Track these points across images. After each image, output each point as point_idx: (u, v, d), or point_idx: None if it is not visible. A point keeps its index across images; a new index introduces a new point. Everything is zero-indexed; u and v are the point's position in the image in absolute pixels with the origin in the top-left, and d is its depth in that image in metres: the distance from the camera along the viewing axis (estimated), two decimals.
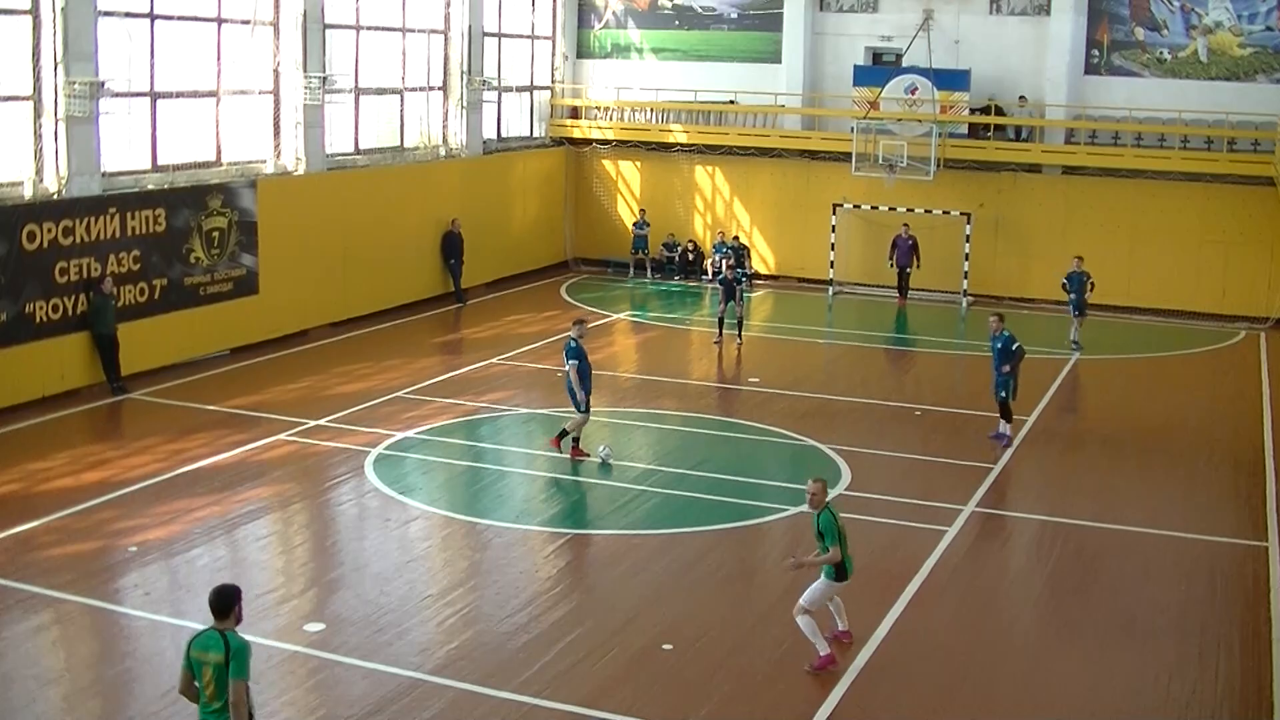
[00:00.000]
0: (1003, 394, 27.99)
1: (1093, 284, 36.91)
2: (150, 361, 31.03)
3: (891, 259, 44.04)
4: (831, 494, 24.40)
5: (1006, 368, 27.86)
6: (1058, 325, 40.60)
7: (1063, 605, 20.63)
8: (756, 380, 33.10)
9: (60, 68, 29.40)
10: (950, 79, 43.57)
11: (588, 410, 26.51)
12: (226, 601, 12.80)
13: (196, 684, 12.76)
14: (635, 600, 20.12)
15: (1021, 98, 44.03)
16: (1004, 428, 28.08)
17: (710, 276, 46.36)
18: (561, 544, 22.36)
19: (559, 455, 26.34)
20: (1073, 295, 36.99)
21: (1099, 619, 19.98)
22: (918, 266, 43.56)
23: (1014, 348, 27.81)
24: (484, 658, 17.95)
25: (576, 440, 26.55)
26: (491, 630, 18.87)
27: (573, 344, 26.36)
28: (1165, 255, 42.33)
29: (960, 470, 26.46)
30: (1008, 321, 28.50)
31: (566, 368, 26.44)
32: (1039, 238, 43.70)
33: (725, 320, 37.13)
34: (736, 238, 47.14)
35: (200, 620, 18.44)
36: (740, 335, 36.90)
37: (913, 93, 43.76)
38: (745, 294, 37.91)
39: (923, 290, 44.18)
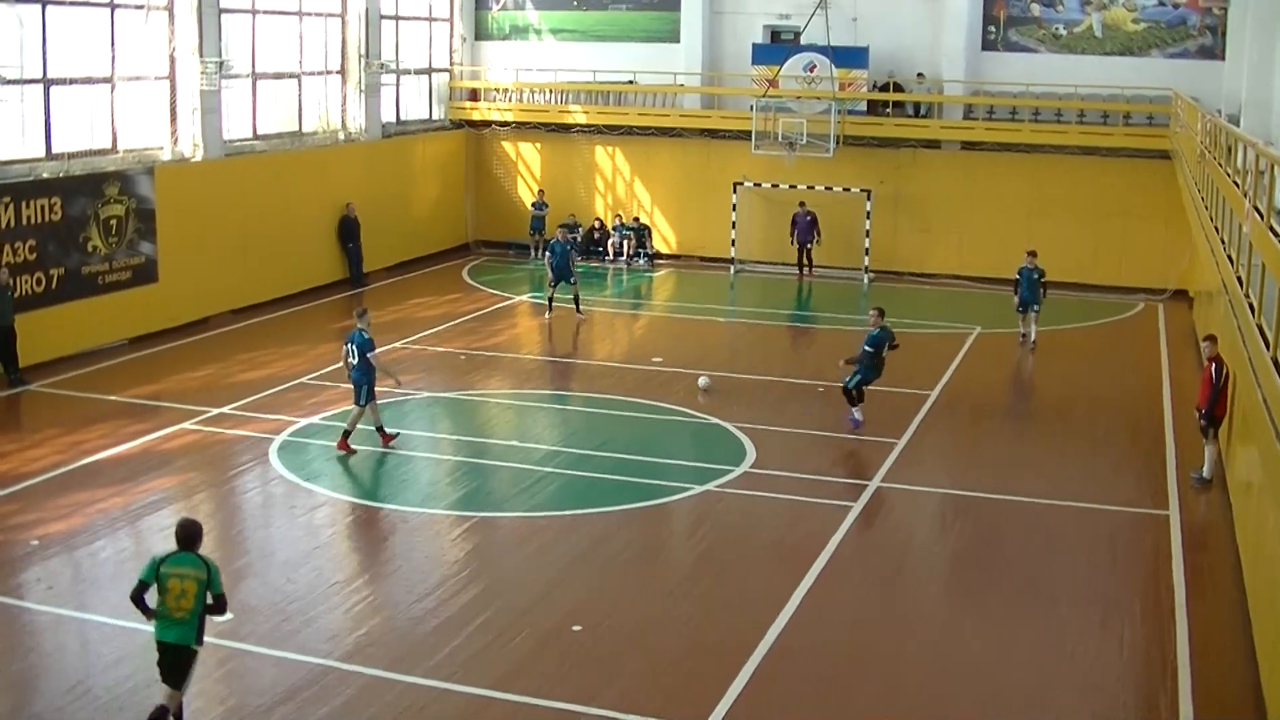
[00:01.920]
0: (851, 383, 27.64)
1: (1045, 284, 35.37)
2: (49, 352, 30.70)
3: (792, 237, 44.24)
4: (735, 471, 24.72)
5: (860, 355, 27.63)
6: (958, 299, 41.08)
7: (968, 576, 20.89)
8: (660, 360, 33.16)
9: None
10: (849, 56, 43.79)
11: (369, 401, 25.76)
12: (196, 531, 15.09)
13: (159, 597, 14.79)
14: (543, 582, 20.15)
15: (920, 74, 44.33)
16: (856, 412, 27.64)
17: (611, 257, 46.49)
18: (468, 527, 22.34)
19: (383, 450, 25.95)
20: (1021, 293, 35.36)
21: (1003, 589, 20.24)
22: (818, 241, 43.81)
23: (868, 346, 27.53)
24: (393, 643, 17.94)
25: (381, 429, 25.99)
26: (400, 615, 18.86)
27: (365, 334, 25.72)
28: (1064, 229, 42.74)
29: (864, 445, 26.68)
30: (889, 309, 28.67)
31: (355, 360, 25.60)
32: (939, 213, 44.09)
33: (555, 298, 38.06)
34: (637, 218, 47.23)
35: (104, 613, 18.38)
36: (579, 310, 37.88)
37: (811, 70, 43.96)
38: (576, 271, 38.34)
39: (824, 267, 44.45)
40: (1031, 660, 17.96)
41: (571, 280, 37.21)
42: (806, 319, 39.57)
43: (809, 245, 44.21)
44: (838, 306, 40.49)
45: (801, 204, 43.74)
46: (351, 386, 25.89)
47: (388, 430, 26.02)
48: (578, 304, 37.47)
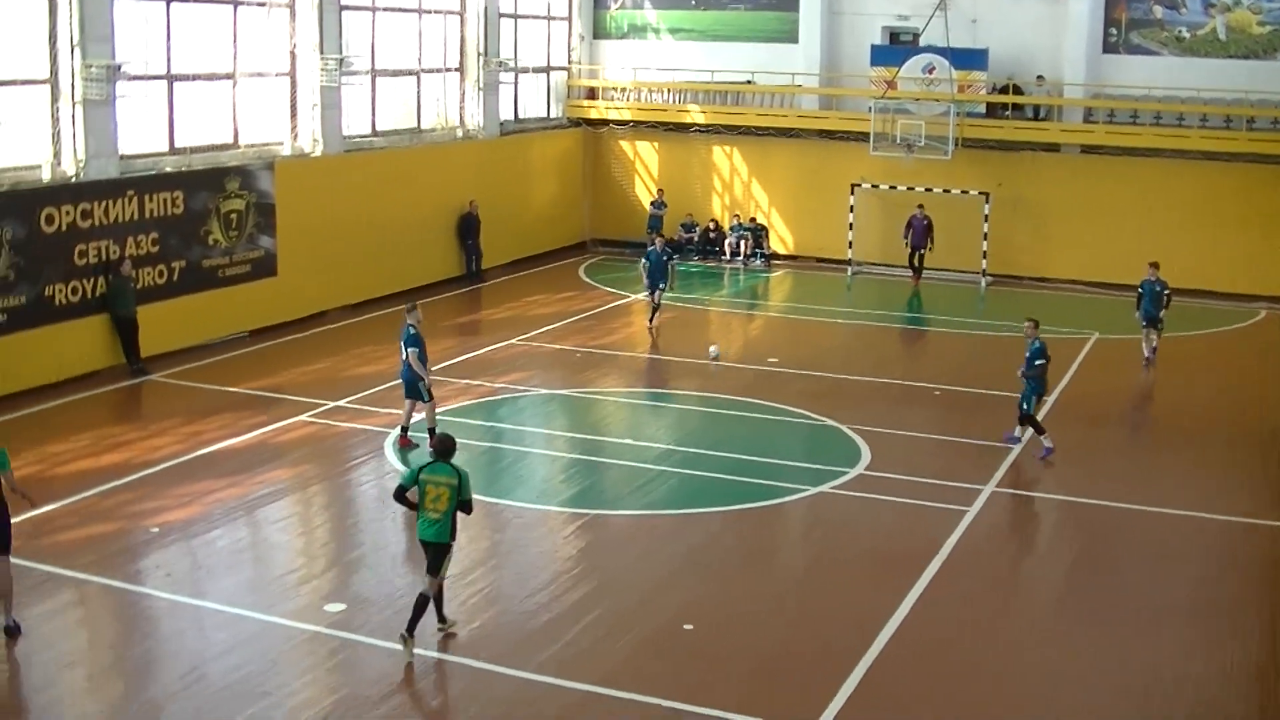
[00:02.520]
0: (1024, 405, 26.37)
1: (1169, 295, 33.64)
2: (170, 343, 31.03)
3: (906, 239, 43.70)
4: (849, 473, 24.57)
5: (1022, 372, 26.39)
6: (1075, 305, 40.66)
7: (1082, 585, 20.60)
8: (775, 360, 33.03)
9: (77, 51, 29.42)
10: (968, 58, 43.42)
11: (432, 396, 25.57)
12: (451, 445, 17.70)
13: (419, 500, 17.49)
14: (655, 580, 20.13)
15: (1039, 77, 43.88)
16: (1017, 430, 26.73)
17: (728, 257, 46.42)
18: (581, 524, 22.35)
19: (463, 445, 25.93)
20: (1144, 307, 33.66)
21: (1118, 599, 19.95)
22: (931, 247, 43.37)
23: (1037, 360, 26.14)
24: (504, 637, 17.99)
25: (433, 430, 24.60)
26: (512, 610, 18.90)
27: (411, 330, 25.23)
28: (1184, 235, 42.09)
29: (980, 450, 26.41)
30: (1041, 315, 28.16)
31: (405, 356, 25.19)
32: (1057, 217, 43.59)
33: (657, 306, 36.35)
34: (754, 218, 47.12)
35: (220, 601, 18.55)
36: (652, 320, 36.39)
37: (930, 72, 43.63)
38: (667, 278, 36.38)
39: (941, 270, 44.05)
40: (1144, 672, 17.69)
41: (661, 286, 35.82)
42: (923, 322, 39.21)
43: (922, 250, 43.55)
44: (954, 310, 40.13)
45: (920, 207, 43.27)
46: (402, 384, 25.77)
47: (412, 436, 25.70)
48: (654, 313, 36.07)
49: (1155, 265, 33.88)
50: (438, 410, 25.92)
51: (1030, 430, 26.38)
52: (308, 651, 17.62)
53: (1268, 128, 41.36)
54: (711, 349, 28.38)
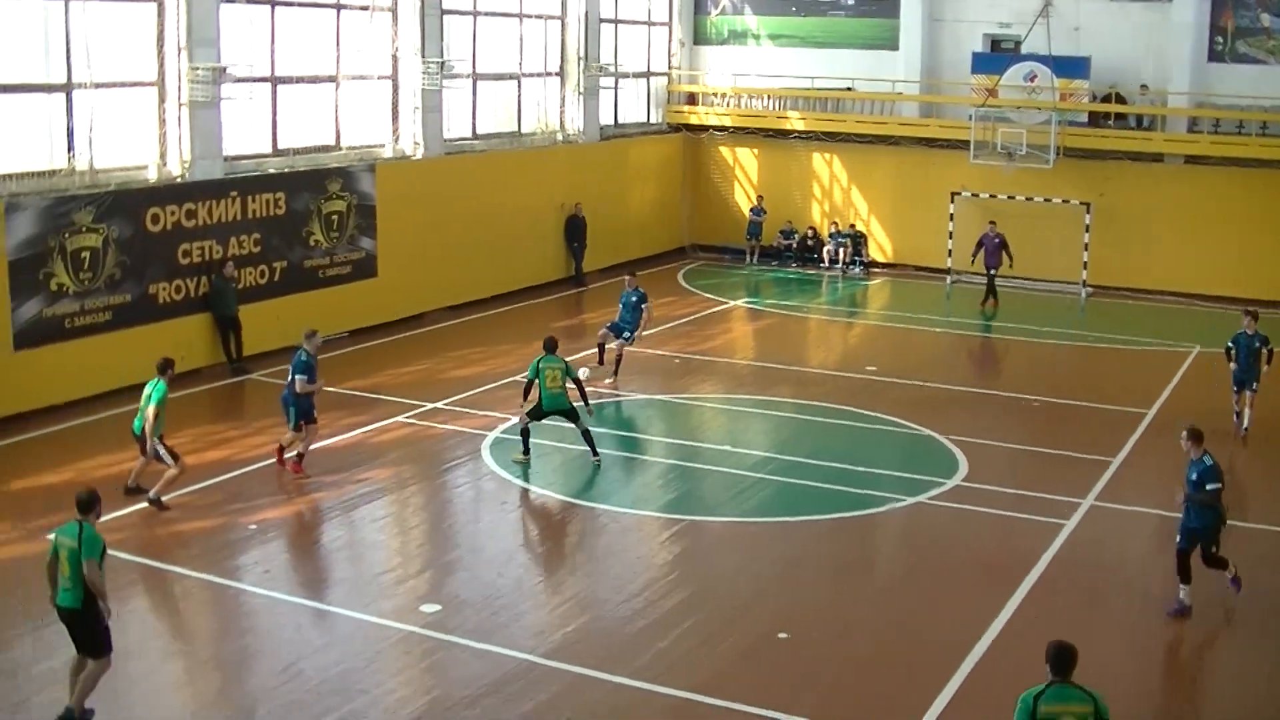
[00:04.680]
0: (1183, 543, 19.71)
1: (1271, 353, 28.03)
2: (270, 343, 31.25)
3: (975, 258, 42.19)
4: (947, 484, 24.40)
5: (1185, 497, 19.59)
6: (1177, 316, 40.23)
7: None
8: (873, 369, 32.89)
9: (184, 54, 29.74)
10: (1070, 66, 43.03)
11: (300, 426, 24.22)
12: (555, 342, 22.25)
13: (540, 382, 24.24)
14: (751, 588, 20.08)
15: (1143, 85, 43.43)
16: (1183, 594, 19.65)
17: (827, 264, 46.27)
18: (677, 530, 22.33)
19: (517, 460, 25.91)
20: (1237, 364, 27.95)
21: (1218, 615, 19.70)
22: (1009, 265, 41.92)
23: (1209, 484, 19.40)
24: (599, 642, 17.99)
25: (301, 456, 24.16)
26: (607, 615, 18.90)
27: (304, 356, 23.98)
28: None
29: (1079, 463, 26.13)
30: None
31: (295, 384, 23.85)
32: (1160, 228, 43.04)
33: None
34: (853, 225, 46.97)
35: (317, 599, 18.68)
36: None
37: (1032, 80, 43.29)
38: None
39: (1041, 280, 43.68)
40: (1236, 687, 17.50)
41: (626, 336, 31.11)
42: (1023, 332, 38.77)
43: (994, 270, 41.79)
44: (1054, 321, 39.68)
45: (992, 224, 42.08)
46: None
47: (290, 457, 24.28)
48: (616, 366, 31.13)
49: (1254, 315, 28.35)
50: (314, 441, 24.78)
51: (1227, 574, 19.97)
52: (403, 651, 17.71)
53: None
54: (582, 371, 27.65)
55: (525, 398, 25.15)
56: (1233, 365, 28.02)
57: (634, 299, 30.58)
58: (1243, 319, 28.23)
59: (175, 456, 22.01)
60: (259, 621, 18.71)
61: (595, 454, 25.01)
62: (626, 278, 31.46)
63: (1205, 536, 19.37)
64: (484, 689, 16.53)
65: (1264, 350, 27.85)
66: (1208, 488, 19.26)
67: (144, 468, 22.54)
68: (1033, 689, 13.02)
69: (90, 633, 15.43)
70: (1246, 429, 27.94)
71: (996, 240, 41.33)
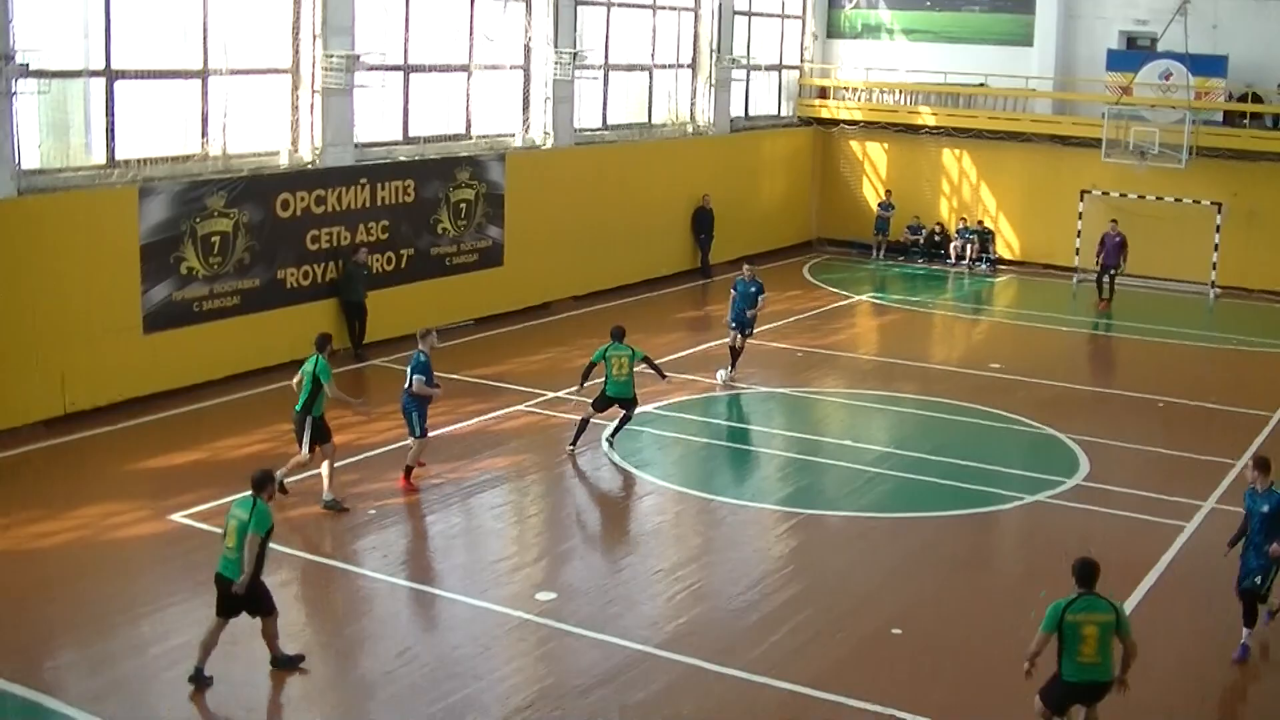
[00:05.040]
0: (1257, 580, 18.16)
1: None
2: (395, 329, 31.43)
3: (1098, 258, 41.63)
4: (1067, 484, 24.19)
5: (1274, 545, 17.75)
6: None
7: None
8: (997, 366, 32.66)
9: (318, 41, 30.05)
10: (1207, 65, 42.38)
11: (424, 434, 23.35)
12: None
13: (606, 370, 24.14)
14: (867, 583, 20.04)
15: None
16: (1246, 636, 18.31)
17: (954, 260, 45.96)
18: (794, 524, 22.29)
19: (603, 465, 25.86)
20: None
21: None
22: (1123, 268, 41.33)
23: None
24: (713, 634, 18.01)
25: (410, 470, 23.34)
26: (721, 607, 18.92)
27: (422, 357, 23.12)
28: None
29: (1202, 465, 25.80)
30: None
31: (412, 385, 22.93)
32: None
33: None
34: (981, 222, 46.60)
35: (434, 584, 18.81)
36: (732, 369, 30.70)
37: (1167, 78, 42.70)
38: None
39: (1170, 280, 43.15)
40: None
41: (747, 331, 30.62)
42: (1149, 332, 38.25)
43: (1113, 270, 41.26)
44: (1182, 321, 39.24)
45: (1113, 222, 41.58)
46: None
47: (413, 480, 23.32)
48: (734, 359, 30.48)
49: None
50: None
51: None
52: (517, 638, 17.82)
53: None
54: (720, 373, 27.48)
55: (582, 383, 25.39)
56: None
57: (753, 289, 30.27)
58: None
59: (311, 444, 22.04)
60: (376, 605, 18.91)
61: (614, 433, 25.53)
62: (745, 267, 31.13)
63: (1266, 575, 17.90)
64: (596, 678, 16.62)
65: None
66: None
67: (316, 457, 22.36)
68: (1062, 599, 14.52)
69: (253, 599, 16.26)
70: None
71: (1118, 239, 40.79)
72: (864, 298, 41.27)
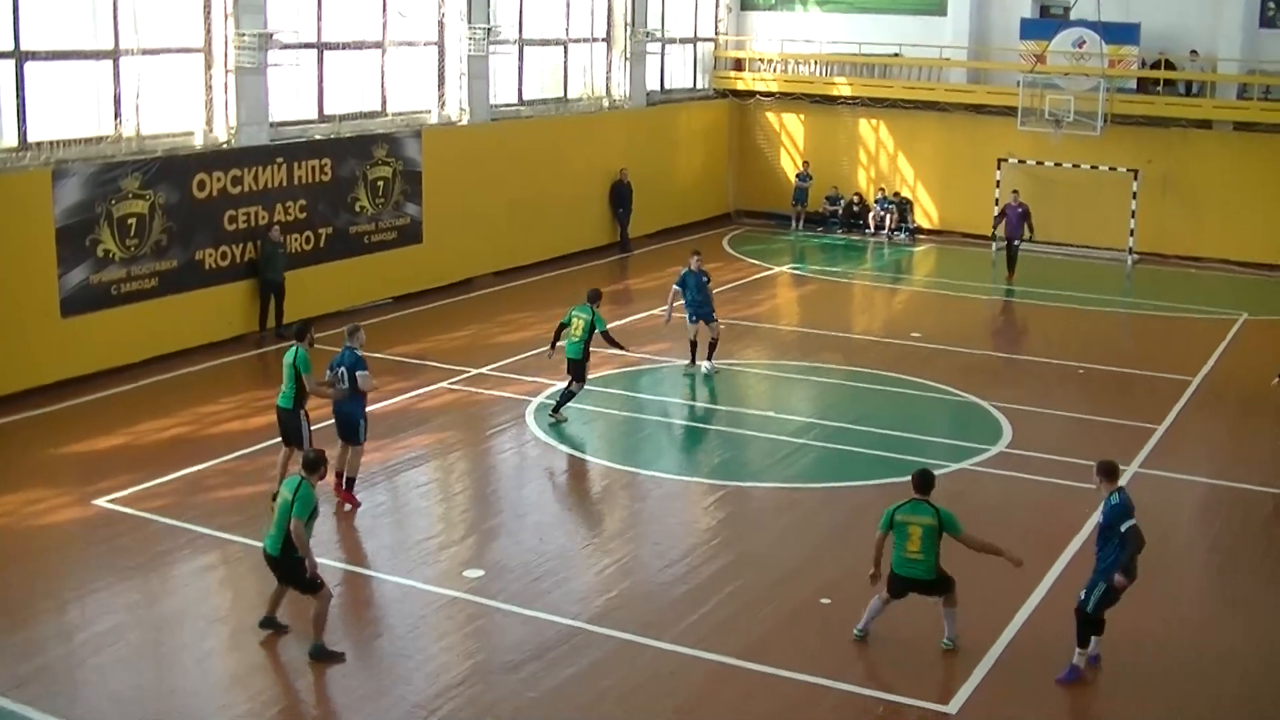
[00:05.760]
0: (1081, 595, 16.69)
1: None
2: (314, 309, 31.18)
3: (996, 230, 41.88)
4: (991, 451, 24.36)
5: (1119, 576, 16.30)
6: (1225, 284, 40.03)
7: (1229, 570, 20.29)
8: (918, 335, 32.83)
9: (230, 20, 29.79)
10: (1119, 33, 42.66)
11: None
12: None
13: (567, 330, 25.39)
14: (794, 554, 20.10)
15: (1193, 52, 43.05)
16: (1076, 656, 16.69)
17: (872, 230, 46.11)
18: (721, 496, 22.36)
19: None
20: None
21: (1265, 585, 19.63)
22: (1030, 237, 40.95)
23: (1124, 526, 16.24)
24: (642, 607, 18.04)
25: (351, 480, 21.49)
26: (650, 580, 18.96)
27: (357, 354, 21.36)
28: None
29: (1124, 430, 26.04)
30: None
31: (345, 382, 21.22)
32: (1209, 195, 42.75)
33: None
34: (897, 193, 46.78)
35: (361, 564, 18.68)
36: (710, 359, 29.54)
37: (1080, 46, 42.99)
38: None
39: (1087, 247, 43.49)
40: None
41: (712, 320, 29.23)
42: (1069, 299, 38.43)
43: (1017, 241, 40.73)
44: (1102, 288, 39.52)
45: (1015, 193, 41.29)
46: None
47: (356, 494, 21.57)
48: (710, 351, 29.32)
49: None
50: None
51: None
52: (445, 616, 17.79)
53: None
54: (705, 365, 27.33)
55: (552, 345, 25.99)
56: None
57: (704, 279, 29.31)
58: None
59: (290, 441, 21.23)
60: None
61: (556, 411, 25.55)
62: (694, 257, 29.50)
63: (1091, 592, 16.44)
64: (527, 654, 16.61)
65: None
66: (1121, 529, 16.17)
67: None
68: (896, 503, 16.88)
69: (294, 576, 16.47)
70: None
71: (1019, 210, 40.54)
72: (784, 269, 41.36)
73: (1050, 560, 19.74)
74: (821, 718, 15.67)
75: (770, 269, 40.94)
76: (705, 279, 29.12)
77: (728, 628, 17.50)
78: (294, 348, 21.01)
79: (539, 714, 15.40)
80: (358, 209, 33.07)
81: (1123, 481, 22.41)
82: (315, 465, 16.65)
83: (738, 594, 18.49)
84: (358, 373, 20.97)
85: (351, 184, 32.83)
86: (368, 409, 21.62)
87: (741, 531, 21.09)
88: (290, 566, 16.36)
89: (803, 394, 28.61)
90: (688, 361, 29.29)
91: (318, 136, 32.44)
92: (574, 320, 25.40)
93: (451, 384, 27.76)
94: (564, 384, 25.64)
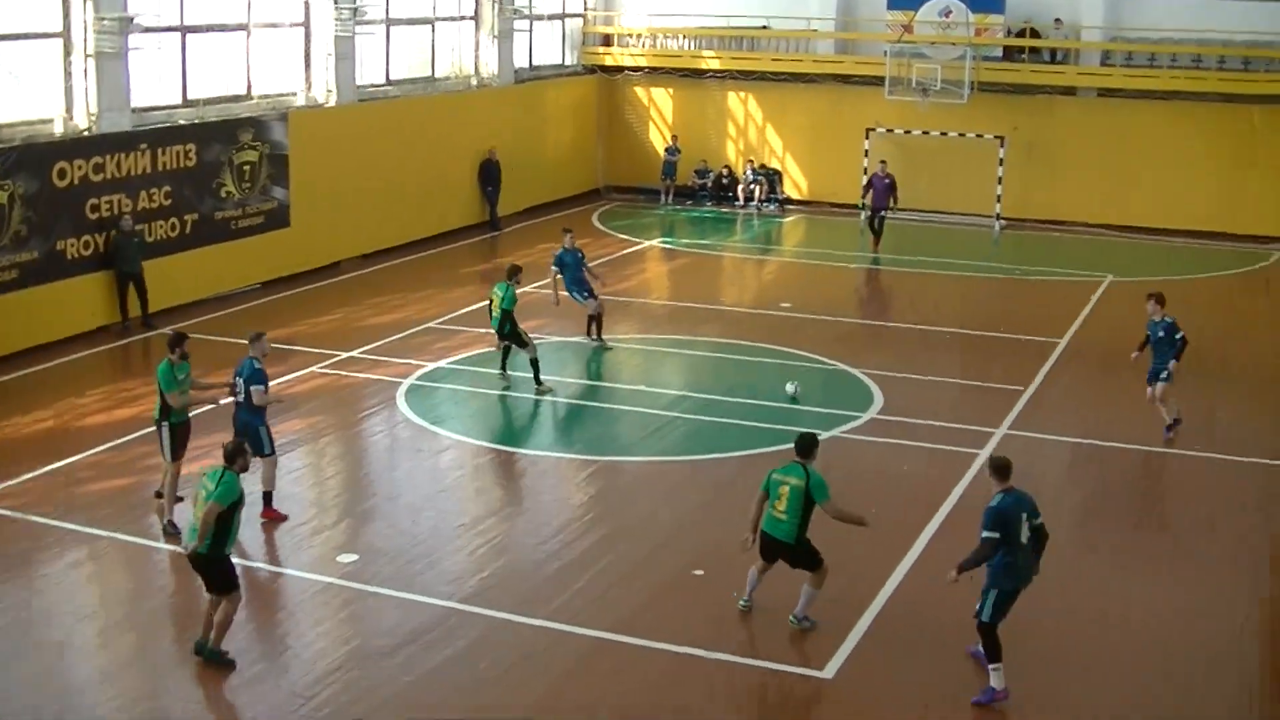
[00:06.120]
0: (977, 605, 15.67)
1: (1184, 340, 23.86)
2: (181, 296, 31.07)
3: (865, 200, 41.89)
4: (863, 417, 24.59)
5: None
6: (1090, 247, 40.62)
7: (1095, 526, 20.64)
8: (788, 305, 33.04)
9: (89, 4, 29.36)
10: (985, 2, 43.16)
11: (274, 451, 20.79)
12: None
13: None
14: (667, 526, 20.23)
15: (1057, 20, 43.63)
16: (993, 675, 15.61)
17: (742, 202, 46.29)
18: (592, 471, 22.44)
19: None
20: (1153, 358, 24.24)
21: (1133, 540, 20.06)
22: (894, 206, 41.13)
23: (984, 534, 15.61)
24: (516, 586, 18.09)
25: (269, 494, 20.59)
26: (523, 558, 19.02)
27: (256, 364, 20.32)
28: (1201, 178, 42.13)
29: (993, 393, 26.42)
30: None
31: (250, 396, 20.24)
32: (1074, 160, 43.39)
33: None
34: (764, 164, 47.00)
35: (233, 552, 18.63)
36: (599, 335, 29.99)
37: (947, 16, 43.39)
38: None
39: (955, 214, 43.97)
40: (1163, 611, 17.82)
41: (587, 295, 29.55)
42: (937, 265, 38.82)
43: (883, 212, 40.83)
44: (969, 254, 39.99)
45: (882, 163, 41.35)
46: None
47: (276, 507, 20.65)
48: (596, 329, 29.69)
49: (1158, 298, 24.24)
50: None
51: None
52: (321, 602, 17.74)
53: None
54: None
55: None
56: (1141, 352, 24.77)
57: (580, 256, 29.54)
58: (1148, 303, 24.31)
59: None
60: (174, 580, 18.64)
61: (538, 385, 26.13)
62: (568, 235, 29.93)
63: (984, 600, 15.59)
64: (402, 638, 16.59)
65: (1176, 339, 23.80)
66: (982, 534, 15.53)
67: None
68: (777, 466, 17.00)
69: (213, 574, 16.02)
70: (1173, 425, 24.28)
71: (886, 180, 40.67)
72: (654, 243, 41.45)
73: (923, 523, 20.01)
74: (695, 687, 15.79)
75: (640, 243, 41.01)
76: (581, 255, 29.23)
77: (601, 603, 17.60)
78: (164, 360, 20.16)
79: (416, 697, 15.40)
80: (223, 194, 32.75)
81: (993, 444, 22.85)
82: (234, 455, 16.13)
83: (611, 568, 18.59)
84: (252, 387, 19.98)
85: (217, 169, 32.50)
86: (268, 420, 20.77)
87: (613, 506, 21.20)
88: (213, 564, 15.88)
89: (674, 367, 28.73)
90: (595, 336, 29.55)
91: (182, 122, 32.08)
92: (493, 297, 26.31)
93: (321, 368, 27.60)
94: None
